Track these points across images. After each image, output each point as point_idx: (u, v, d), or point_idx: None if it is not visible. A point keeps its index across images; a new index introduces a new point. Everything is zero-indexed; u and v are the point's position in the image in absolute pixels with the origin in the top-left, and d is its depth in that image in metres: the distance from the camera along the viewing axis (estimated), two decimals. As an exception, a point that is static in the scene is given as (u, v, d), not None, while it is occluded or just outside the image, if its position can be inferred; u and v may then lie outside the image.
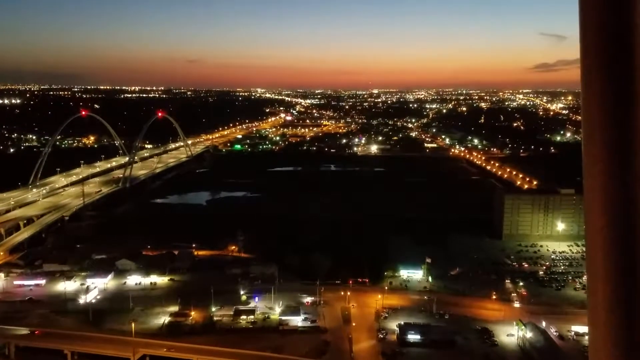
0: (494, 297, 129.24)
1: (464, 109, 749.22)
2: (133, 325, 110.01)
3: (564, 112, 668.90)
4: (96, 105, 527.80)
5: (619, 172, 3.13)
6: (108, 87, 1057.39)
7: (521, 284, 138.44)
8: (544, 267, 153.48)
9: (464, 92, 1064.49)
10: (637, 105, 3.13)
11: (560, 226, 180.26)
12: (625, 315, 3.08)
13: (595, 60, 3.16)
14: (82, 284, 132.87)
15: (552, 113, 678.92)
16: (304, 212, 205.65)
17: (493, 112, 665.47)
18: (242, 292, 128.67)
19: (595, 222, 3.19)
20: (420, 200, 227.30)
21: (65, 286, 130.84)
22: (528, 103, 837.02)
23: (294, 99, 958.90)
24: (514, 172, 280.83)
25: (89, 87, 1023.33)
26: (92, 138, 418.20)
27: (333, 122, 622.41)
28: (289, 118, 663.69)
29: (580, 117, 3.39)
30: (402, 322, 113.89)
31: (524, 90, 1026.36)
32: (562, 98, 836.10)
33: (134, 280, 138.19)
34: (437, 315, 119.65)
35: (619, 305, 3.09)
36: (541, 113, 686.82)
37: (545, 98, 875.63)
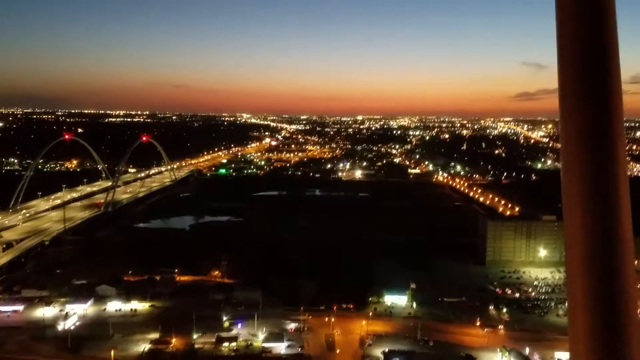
0: (478, 323, 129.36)
1: (447, 136, 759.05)
2: (112, 352, 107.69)
3: (544, 140, 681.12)
4: (80, 129, 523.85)
5: (596, 201, 3.18)
6: (92, 112, 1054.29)
7: (505, 310, 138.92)
8: (527, 293, 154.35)
9: (447, 119, 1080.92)
10: (613, 137, 3.19)
11: (543, 252, 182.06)
12: (605, 344, 3.13)
13: (573, 94, 3.24)
14: (61, 310, 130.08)
15: (532, 141, 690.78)
16: (288, 236, 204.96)
17: (475, 140, 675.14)
18: (225, 319, 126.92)
19: (575, 253, 3.26)
20: (404, 225, 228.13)
21: (44, 312, 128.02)
22: (509, 131, 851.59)
23: (279, 124, 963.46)
24: (496, 199, 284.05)
25: (73, 111, 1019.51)
26: (74, 162, 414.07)
27: (318, 147, 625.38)
28: (274, 143, 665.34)
29: (560, 145, 3.49)
30: (387, 349, 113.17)
31: (506, 118, 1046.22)
32: (543, 126, 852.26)
33: (114, 306, 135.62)
34: (422, 341, 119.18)
35: (599, 333, 3.13)
36: (522, 141, 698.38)
37: (526, 126, 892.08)
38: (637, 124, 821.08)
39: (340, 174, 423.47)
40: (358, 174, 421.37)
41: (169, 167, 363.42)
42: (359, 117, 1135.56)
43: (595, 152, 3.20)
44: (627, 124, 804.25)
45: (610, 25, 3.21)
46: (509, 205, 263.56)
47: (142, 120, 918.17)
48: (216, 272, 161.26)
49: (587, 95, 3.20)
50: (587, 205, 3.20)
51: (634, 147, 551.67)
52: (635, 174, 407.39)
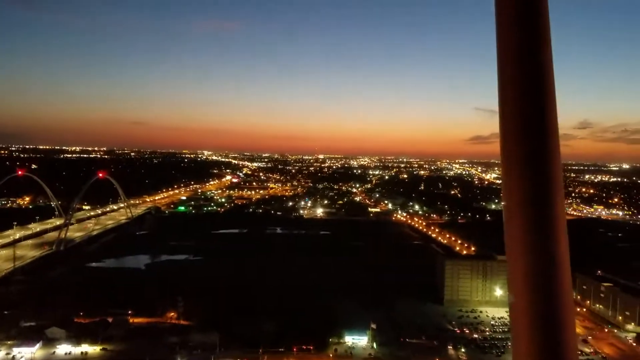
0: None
1: (405, 176, 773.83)
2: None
3: (497, 181, 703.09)
4: (34, 165, 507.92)
5: (536, 248, 3.27)
6: (47, 147, 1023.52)
7: (463, 350, 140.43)
8: (484, 333, 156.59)
9: (405, 160, 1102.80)
10: (552, 176, 3.29)
11: (498, 292, 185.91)
12: None
13: (513, 135, 3.36)
14: (7, 354, 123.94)
15: (486, 182, 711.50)
16: (248, 275, 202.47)
17: (432, 180, 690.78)
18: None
19: (517, 294, 3.36)
20: (364, 264, 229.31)
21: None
22: (464, 172, 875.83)
23: (240, 162, 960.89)
24: (453, 238, 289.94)
25: (27, 147, 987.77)
26: (27, 199, 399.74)
27: (280, 185, 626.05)
28: (235, 180, 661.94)
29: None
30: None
31: (461, 160, 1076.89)
32: (496, 168, 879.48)
33: (64, 349, 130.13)
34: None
35: None
36: (476, 182, 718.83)
37: (479, 168, 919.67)
38: (585, 168, 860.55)
39: (301, 211, 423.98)
40: (319, 212, 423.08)
41: (125, 204, 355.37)
42: (321, 156, 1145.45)
43: (534, 195, 3.28)
44: (576, 168, 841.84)
45: (547, 72, 3.34)
46: (465, 245, 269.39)
47: (99, 156, 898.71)
48: (172, 314, 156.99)
49: (526, 136, 3.31)
50: (528, 251, 3.28)
51: (583, 189, 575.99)
52: (587, 215, 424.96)
